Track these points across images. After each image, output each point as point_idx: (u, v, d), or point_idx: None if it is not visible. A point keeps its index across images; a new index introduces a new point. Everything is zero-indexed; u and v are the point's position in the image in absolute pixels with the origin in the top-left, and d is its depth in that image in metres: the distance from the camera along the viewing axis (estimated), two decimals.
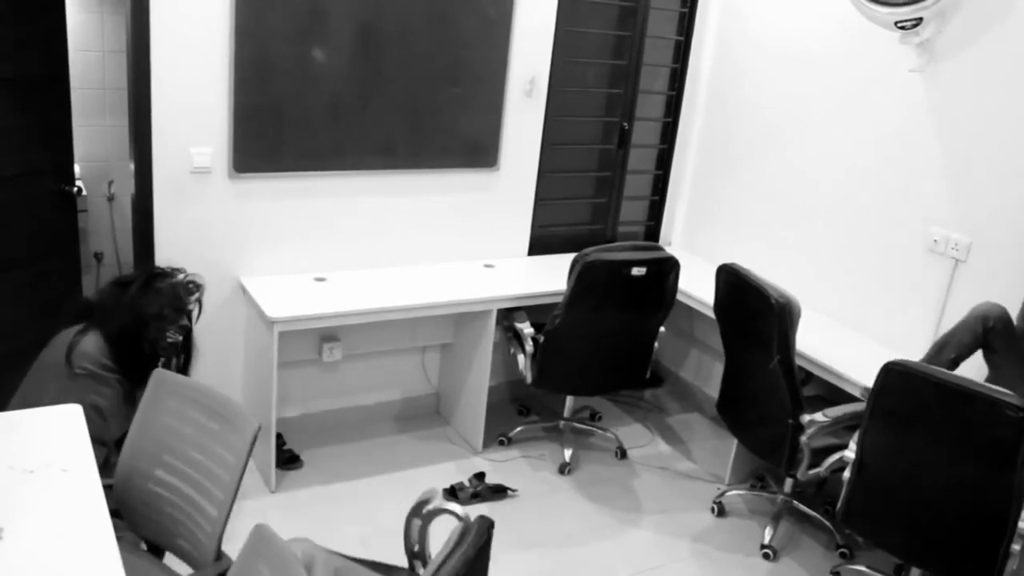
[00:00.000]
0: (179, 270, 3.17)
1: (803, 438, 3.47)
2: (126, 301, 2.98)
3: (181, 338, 3.16)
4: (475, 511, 2.17)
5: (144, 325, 2.97)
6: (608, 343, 3.96)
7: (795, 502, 3.93)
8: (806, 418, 3.45)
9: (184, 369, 3.23)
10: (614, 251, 3.81)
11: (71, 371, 2.77)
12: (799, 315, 3.42)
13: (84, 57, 4.52)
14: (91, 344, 2.83)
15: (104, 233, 4.89)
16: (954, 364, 3.20)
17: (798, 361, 3.72)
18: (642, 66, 4.67)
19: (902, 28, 3.56)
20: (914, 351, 3.77)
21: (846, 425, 3.43)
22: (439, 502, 2.22)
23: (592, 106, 4.72)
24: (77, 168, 4.08)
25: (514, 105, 4.29)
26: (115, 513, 2.21)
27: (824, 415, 3.42)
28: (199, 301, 3.22)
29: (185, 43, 3.46)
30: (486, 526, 1.92)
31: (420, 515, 2.24)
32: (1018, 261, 3.39)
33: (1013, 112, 3.37)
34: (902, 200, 3.78)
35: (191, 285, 3.18)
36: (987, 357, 3.19)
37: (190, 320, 3.20)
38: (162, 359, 3.12)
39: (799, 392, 3.48)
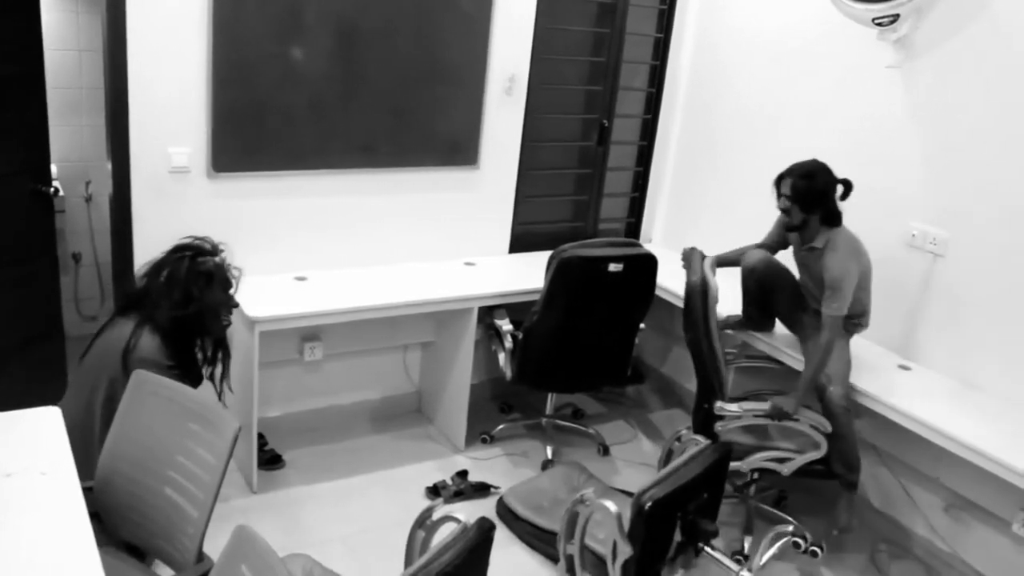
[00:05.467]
0: (204, 240, 3.04)
1: (717, 426, 3.50)
2: (174, 292, 2.87)
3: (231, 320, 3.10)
4: (458, 509, 2.17)
5: (199, 314, 2.90)
6: (587, 340, 3.96)
7: (760, 504, 3.95)
8: (718, 404, 3.50)
9: (226, 365, 3.13)
10: (591, 247, 3.81)
11: (127, 373, 2.64)
12: (713, 298, 3.50)
13: (60, 56, 4.48)
14: (147, 345, 2.75)
15: (82, 234, 4.85)
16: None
17: (775, 354, 3.75)
18: (622, 63, 4.68)
19: (879, 25, 3.58)
20: (892, 346, 3.80)
21: (760, 418, 3.49)
22: (443, 510, 2.22)
23: (572, 103, 4.72)
24: (54, 168, 4.04)
25: (494, 103, 4.29)
26: (95, 516, 2.19)
27: (739, 407, 3.49)
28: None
29: (162, 41, 3.44)
30: (486, 527, 1.92)
31: (423, 526, 2.24)
32: (995, 256, 3.42)
33: (989, 107, 3.40)
34: (881, 195, 3.81)
35: (226, 259, 3.07)
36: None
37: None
38: (207, 366, 3.06)
39: (713, 377, 3.51)
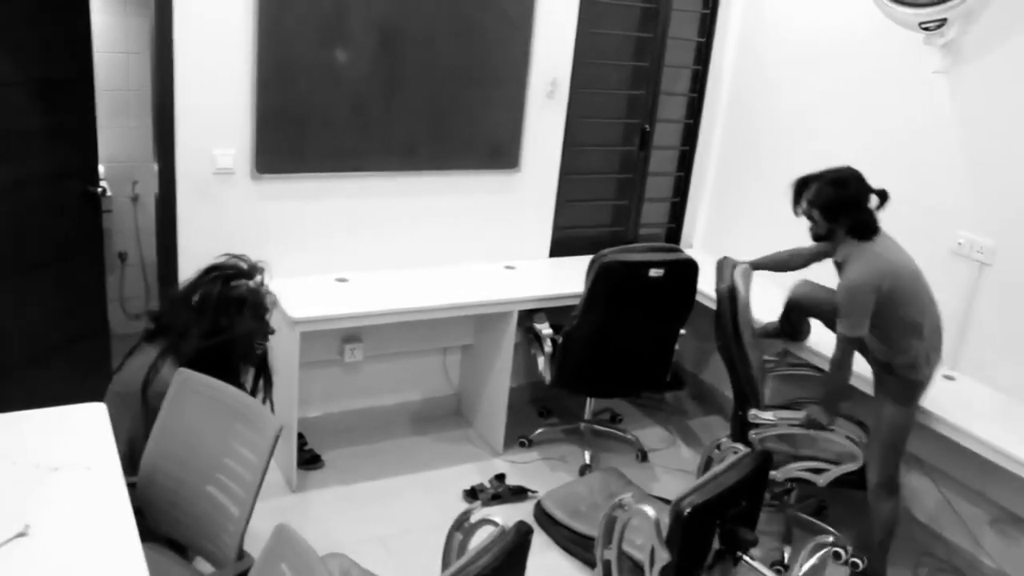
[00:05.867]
0: (241, 259, 2.89)
1: (752, 434, 3.46)
2: (202, 320, 2.74)
3: (270, 344, 2.94)
4: (496, 512, 2.17)
5: (230, 344, 2.76)
6: (627, 345, 3.95)
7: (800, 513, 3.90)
8: (752, 412, 3.45)
9: (268, 392, 3.01)
10: (632, 252, 3.79)
11: (148, 407, 2.61)
12: (743, 304, 3.48)
13: (108, 59, 4.55)
14: (168, 379, 2.59)
15: (128, 233, 4.92)
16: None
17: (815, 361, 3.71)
18: (663, 67, 4.65)
19: (926, 29, 3.53)
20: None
21: (795, 427, 3.44)
22: (480, 513, 2.22)
23: (613, 108, 4.70)
24: (101, 169, 4.11)
25: (535, 106, 4.29)
26: (138, 511, 2.22)
27: (774, 415, 3.44)
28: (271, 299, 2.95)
29: (208, 44, 3.48)
30: (524, 530, 1.91)
31: (461, 528, 2.24)
32: None
33: None
34: (927, 202, 3.75)
35: (262, 283, 2.89)
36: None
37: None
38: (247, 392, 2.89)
39: (746, 385, 3.47)
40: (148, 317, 2.92)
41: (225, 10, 3.47)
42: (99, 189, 3.84)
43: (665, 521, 2.37)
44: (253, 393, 2.99)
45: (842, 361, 3.23)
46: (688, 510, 2.31)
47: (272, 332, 3.01)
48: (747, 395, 3.51)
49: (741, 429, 3.55)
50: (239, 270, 2.90)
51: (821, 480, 3.40)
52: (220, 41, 3.50)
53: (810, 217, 3.27)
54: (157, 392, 2.62)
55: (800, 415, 3.39)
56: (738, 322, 3.45)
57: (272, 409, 3.10)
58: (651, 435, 4.61)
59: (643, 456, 4.38)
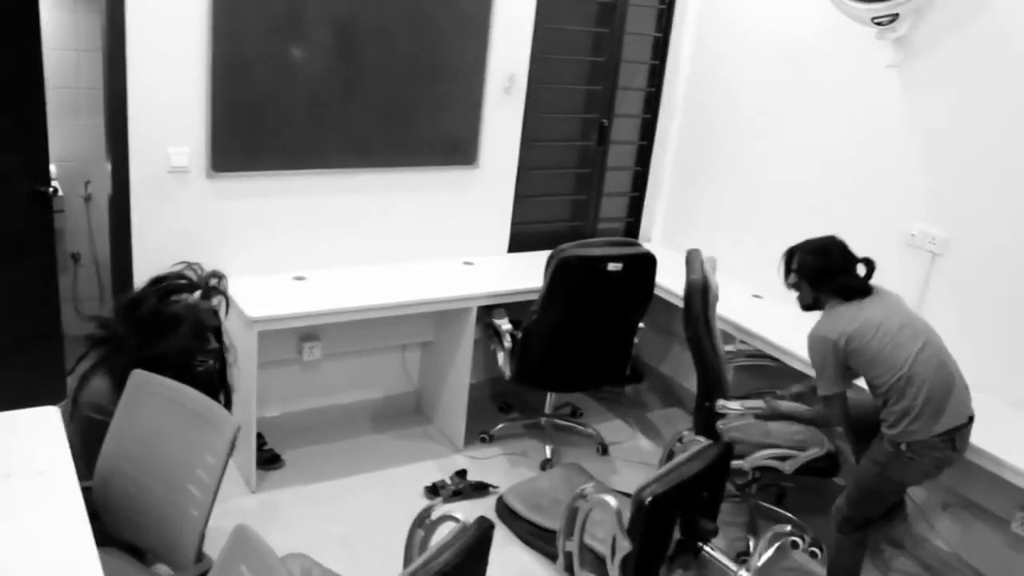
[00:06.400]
0: (191, 269, 2.81)
1: (719, 424, 3.50)
2: (137, 335, 2.69)
3: (215, 363, 2.86)
4: (457, 509, 2.18)
5: (164, 360, 2.67)
6: (586, 339, 3.96)
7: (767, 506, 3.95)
8: (720, 403, 3.49)
9: (227, 405, 2.94)
10: (590, 247, 3.81)
11: (79, 415, 2.57)
12: (714, 296, 3.49)
13: (58, 56, 4.48)
14: (95, 390, 2.59)
15: (81, 233, 4.84)
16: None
17: (774, 353, 3.75)
18: (621, 62, 4.68)
19: (879, 24, 3.58)
20: None
21: (762, 416, 3.45)
22: (442, 510, 2.22)
23: (571, 103, 4.72)
24: (53, 168, 4.04)
25: (493, 102, 4.29)
26: (94, 515, 2.19)
27: (740, 404, 3.45)
28: (225, 297, 2.87)
29: (162, 41, 3.43)
30: (485, 526, 1.92)
31: (423, 525, 2.24)
32: (994, 254, 3.42)
33: (988, 106, 3.40)
34: (880, 194, 3.81)
35: (212, 292, 2.79)
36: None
37: (220, 340, 2.89)
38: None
39: (713, 376, 3.51)
40: (96, 324, 2.86)
41: (179, 6, 3.42)
42: (50, 189, 3.78)
43: (627, 513, 2.39)
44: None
45: (826, 418, 3.21)
46: (649, 499, 2.33)
47: (212, 350, 2.90)
48: (713, 386, 3.54)
49: (706, 421, 3.58)
50: (184, 284, 2.83)
51: (787, 467, 3.44)
52: (174, 38, 3.45)
53: (797, 288, 3.28)
54: (85, 402, 2.59)
55: (763, 404, 3.42)
56: (709, 314, 3.48)
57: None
58: (611, 428, 4.64)
59: (604, 449, 4.40)
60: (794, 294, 3.32)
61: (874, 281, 3.17)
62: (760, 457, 3.48)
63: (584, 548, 2.62)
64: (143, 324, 2.73)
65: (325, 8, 3.70)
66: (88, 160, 4.71)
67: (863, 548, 3.28)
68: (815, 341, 3.11)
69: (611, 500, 2.44)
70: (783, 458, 3.45)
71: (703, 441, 2.85)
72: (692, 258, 3.57)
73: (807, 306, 3.27)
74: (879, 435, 3.09)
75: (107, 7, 3.34)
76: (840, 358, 3.06)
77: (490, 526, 1.94)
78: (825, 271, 3.16)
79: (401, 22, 3.90)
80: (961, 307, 3.55)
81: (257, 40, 3.60)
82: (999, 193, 3.38)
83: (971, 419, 3.03)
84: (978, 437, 3.08)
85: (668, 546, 2.54)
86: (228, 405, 3.04)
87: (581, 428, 4.56)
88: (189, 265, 2.90)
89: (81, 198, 4.78)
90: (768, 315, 4.00)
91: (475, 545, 1.88)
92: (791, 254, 3.26)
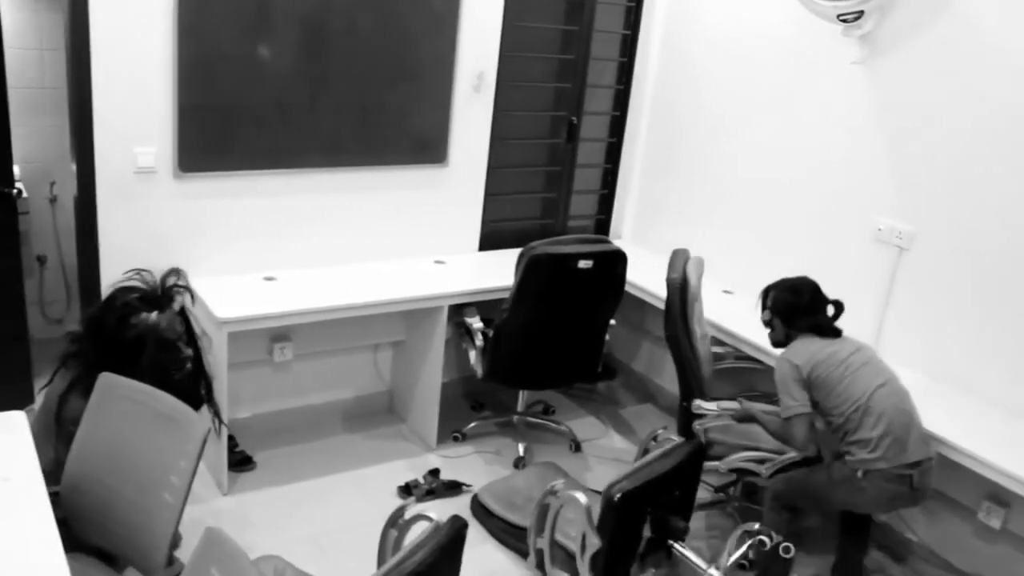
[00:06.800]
0: (140, 279, 2.81)
1: (696, 424, 3.52)
2: (108, 359, 2.64)
3: (190, 366, 2.87)
4: (430, 508, 2.18)
5: (140, 377, 2.62)
6: (558, 336, 3.97)
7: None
8: (696, 403, 3.51)
9: (210, 398, 2.99)
10: (561, 244, 3.81)
11: (65, 433, 2.55)
12: (693, 295, 3.50)
13: (21, 55, 4.42)
14: (75, 409, 2.57)
15: (47, 235, 4.78)
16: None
17: (746, 350, 3.78)
18: (590, 60, 4.69)
19: (844, 21, 3.62)
20: (860, 338, 3.83)
21: (738, 418, 3.47)
22: (415, 509, 2.22)
23: (541, 101, 4.72)
24: (16, 169, 3.98)
25: (462, 100, 4.28)
26: (62, 521, 2.17)
27: (716, 405, 3.47)
28: (188, 291, 2.87)
29: (127, 40, 3.40)
30: (459, 525, 1.92)
31: (396, 525, 2.24)
32: (959, 248, 3.46)
33: (953, 101, 3.44)
34: (848, 190, 3.85)
35: (168, 299, 2.79)
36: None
37: (194, 342, 2.90)
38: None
39: (692, 376, 3.52)
40: (68, 339, 2.83)
41: (144, 4, 3.39)
42: (14, 190, 3.73)
43: (597, 509, 2.39)
44: (198, 399, 2.95)
45: (785, 437, 3.20)
46: (619, 495, 2.34)
47: (186, 359, 2.89)
48: (692, 386, 3.55)
49: (685, 421, 3.59)
50: (137, 301, 2.78)
51: (764, 469, 3.46)
52: (139, 36, 3.42)
53: (770, 325, 3.34)
54: (69, 418, 2.58)
55: (738, 405, 3.45)
56: (688, 314, 3.49)
57: (220, 414, 3.07)
58: (584, 425, 4.65)
59: (576, 447, 4.41)
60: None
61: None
62: (737, 459, 3.50)
63: (555, 545, 2.62)
64: (111, 350, 2.70)
65: (293, 6, 3.68)
66: (53, 161, 4.65)
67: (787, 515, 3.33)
68: (782, 363, 3.19)
69: (581, 497, 2.45)
70: (761, 461, 3.47)
71: (676, 439, 2.87)
72: (675, 258, 3.58)
73: (778, 343, 3.34)
74: (843, 457, 3.12)
75: (70, 5, 3.30)
76: (804, 382, 3.13)
77: (463, 525, 1.94)
78: (797, 308, 3.26)
79: (369, 20, 3.88)
80: (927, 300, 3.59)
81: (224, 38, 3.57)
82: (965, 188, 3.42)
83: (931, 460, 3.07)
84: (944, 428, 3.12)
85: (639, 543, 2.55)
86: (209, 393, 3.04)
87: (554, 425, 4.57)
88: (138, 272, 2.87)
89: (46, 199, 4.73)
90: (739, 311, 4.02)
91: (448, 544, 1.88)
92: (766, 292, 3.36)
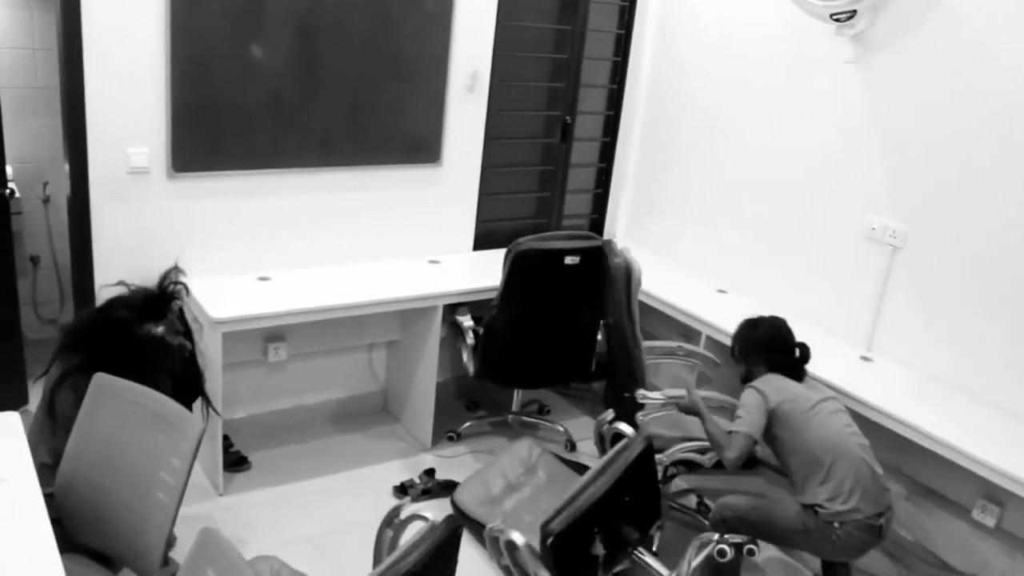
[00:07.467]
0: (136, 292, 2.88)
1: (638, 416, 3.47)
2: (96, 356, 2.67)
3: (187, 354, 2.92)
4: (426, 508, 2.17)
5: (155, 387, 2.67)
6: (547, 334, 3.97)
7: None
8: (640, 392, 3.46)
9: (201, 390, 3.02)
10: (547, 240, 3.81)
11: (62, 422, 2.57)
12: (636, 281, 3.47)
13: (13, 55, 4.41)
14: (67, 397, 2.60)
15: (40, 236, 4.77)
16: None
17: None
18: (583, 60, 4.69)
19: (837, 20, 3.62)
20: (853, 337, 3.85)
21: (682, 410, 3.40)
22: (410, 509, 2.22)
23: (534, 100, 4.72)
24: (9, 170, 3.97)
25: (456, 100, 4.28)
26: (56, 522, 2.16)
27: (662, 393, 3.40)
28: (183, 287, 2.93)
29: (119, 39, 3.39)
30: (454, 525, 1.92)
31: (391, 525, 2.23)
32: (952, 246, 3.47)
33: (946, 100, 3.45)
34: (841, 189, 3.85)
35: (166, 308, 2.85)
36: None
37: (190, 335, 2.94)
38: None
39: (636, 364, 3.48)
40: (60, 332, 2.84)
41: (136, 3, 3.38)
42: (7, 190, 3.72)
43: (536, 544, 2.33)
44: (195, 387, 2.99)
45: (723, 446, 3.09)
46: (551, 539, 2.26)
47: (190, 348, 2.96)
48: (637, 375, 3.51)
49: (626, 410, 3.49)
50: (136, 315, 2.82)
51: (707, 460, 3.40)
52: (131, 36, 3.41)
53: (734, 356, 3.34)
54: (60, 409, 2.59)
55: (684, 393, 3.36)
56: (631, 299, 3.45)
57: (216, 410, 3.09)
58: (580, 424, 4.65)
59: (572, 446, 4.41)
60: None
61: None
62: (679, 450, 3.44)
63: (516, 565, 2.54)
64: (106, 355, 2.69)
65: (286, 6, 3.67)
66: (46, 161, 4.64)
67: None
68: (750, 390, 3.14)
69: (518, 537, 2.35)
70: (702, 451, 3.41)
71: (629, 431, 2.80)
72: (611, 245, 3.56)
73: (742, 378, 3.30)
74: (813, 508, 3.02)
75: (62, 5, 3.29)
76: (767, 412, 3.07)
77: (459, 525, 1.94)
78: (753, 343, 3.26)
79: (362, 19, 3.88)
80: (920, 299, 3.60)
81: (217, 38, 3.57)
82: (959, 186, 3.43)
83: (891, 508, 3.06)
84: (938, 426, 3.13)
85: (596, 563, 2.47)
86: (200, 381, 3.09)
87: (549, 424, 4.57)
88: (127, 285, 2.90)
89: (39, 200, 4.71)
90: (732, 309, 4.02)
91: (444, 544, 1.88)
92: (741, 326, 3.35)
